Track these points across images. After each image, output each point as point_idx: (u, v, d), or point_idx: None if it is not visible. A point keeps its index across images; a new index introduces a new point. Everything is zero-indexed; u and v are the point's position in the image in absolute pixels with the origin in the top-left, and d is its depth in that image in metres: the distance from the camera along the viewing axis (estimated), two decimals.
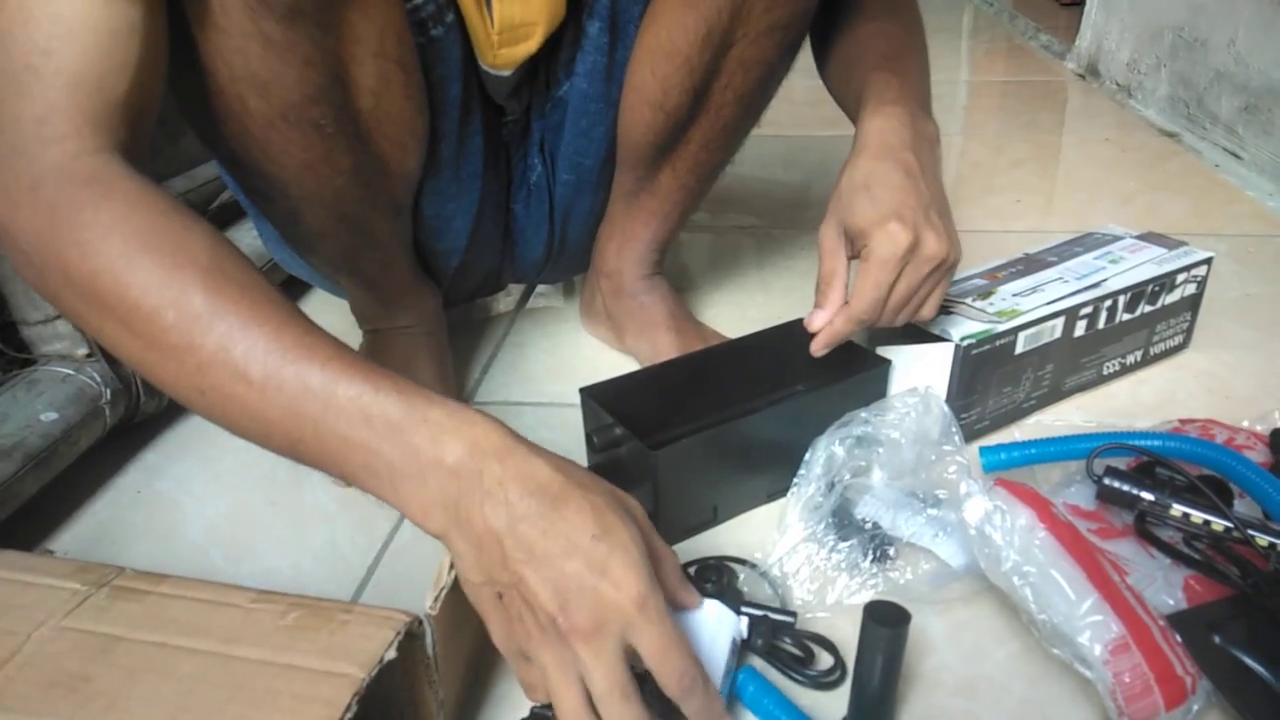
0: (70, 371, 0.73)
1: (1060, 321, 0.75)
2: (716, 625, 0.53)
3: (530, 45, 0.71)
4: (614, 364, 0.91)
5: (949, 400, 0.73)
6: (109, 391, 0.74)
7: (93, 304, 0.46)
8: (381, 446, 0.45)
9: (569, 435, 0.77)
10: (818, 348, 0.67)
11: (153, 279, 0.45)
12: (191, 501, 0.75)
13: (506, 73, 0.72)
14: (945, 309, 0.75)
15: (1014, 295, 0.76)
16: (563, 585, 0.42)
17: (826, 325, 0.66)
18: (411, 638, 0.45)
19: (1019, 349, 0.74)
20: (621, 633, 0.43)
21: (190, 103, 0.59)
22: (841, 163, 0.67)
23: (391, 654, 0.43)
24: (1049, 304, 0.75)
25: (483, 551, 0.44)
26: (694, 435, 0.64)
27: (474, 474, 0.44)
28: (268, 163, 0.61)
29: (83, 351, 0.74)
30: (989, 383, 0.74)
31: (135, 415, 0.79)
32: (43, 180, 0.47)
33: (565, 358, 0.94)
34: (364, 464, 0.45)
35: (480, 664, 0.57)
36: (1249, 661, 0.52)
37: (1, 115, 0.47)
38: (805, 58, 0.80)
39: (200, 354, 0.45)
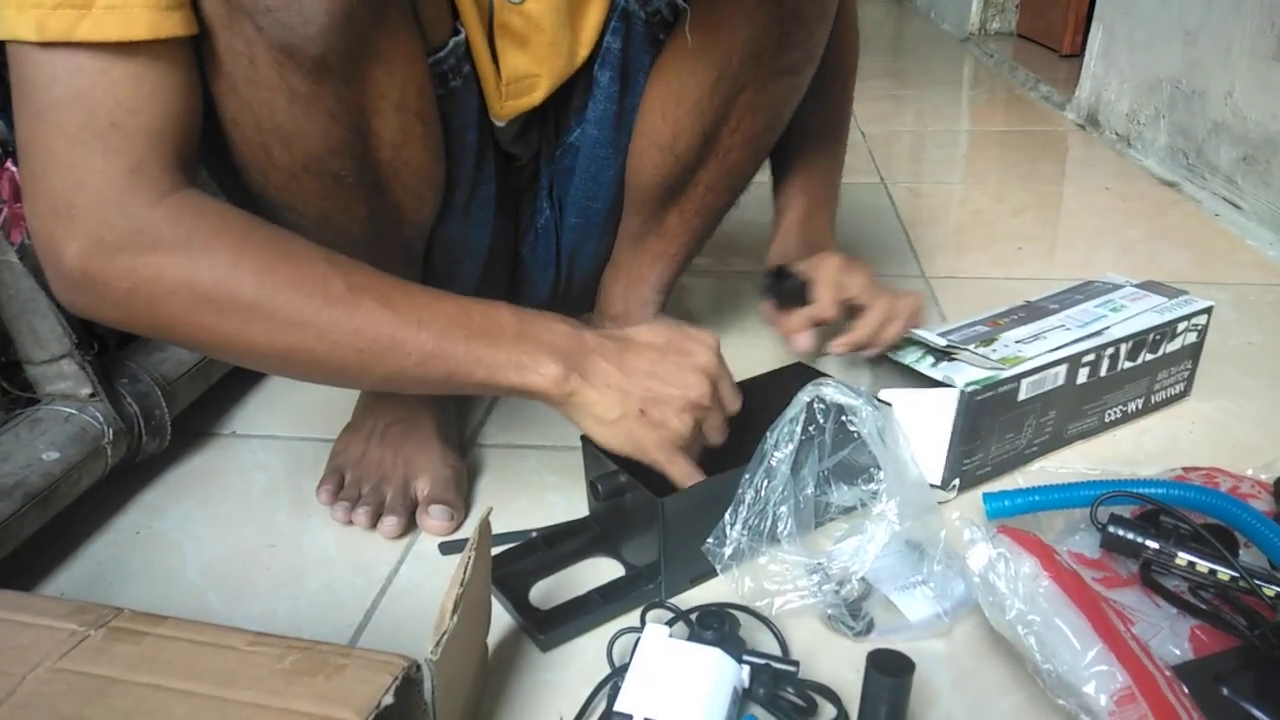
0: (73, 411, 0.73)
1: (1063, 369, 0.75)
2: (718, 674, 0.53)
3: (534, 98, 0.73)
4: None
5: (951, 446, 0.73)
6: (111, 431, 0.74)
7: (237, 315, 0.54)
8: (516, 347, 0.58)
9: (572, 479, 0.77)
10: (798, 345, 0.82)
11: (297, 277, 0.54)
12: (191, 542, 0.74)
13: (503, 123, 0.74)
14: (948, 355, 0.75)
15: (1017, 342, 0.76)
16: (676, 381, 0.61)
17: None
18: (409, 683, 0.44)
19: (1022, 395, 0.74)
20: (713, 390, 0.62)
21: (212, 153, 0.60)
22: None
23: (389, 699, 0.42)
24: (1052, 351, 0.75)
25: (607, 388, 0.59)
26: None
27: (576, 341, 0.60)
28: (287, 211, 0.62)
29: (86, 391, 0.74)
30: (992, 429, 0.74)
31: (137, 455, 0.79)
32: (148, 224, 0.52)
33: None
34: (510, 363, 0.58)
35: (478, 709, 0.57)
36: (1257, 714, 0.51)
37: (83, 169, 0.51)
38: None
39: (354, 321, 0.55)
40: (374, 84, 0.58)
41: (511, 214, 0.83)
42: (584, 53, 0.74)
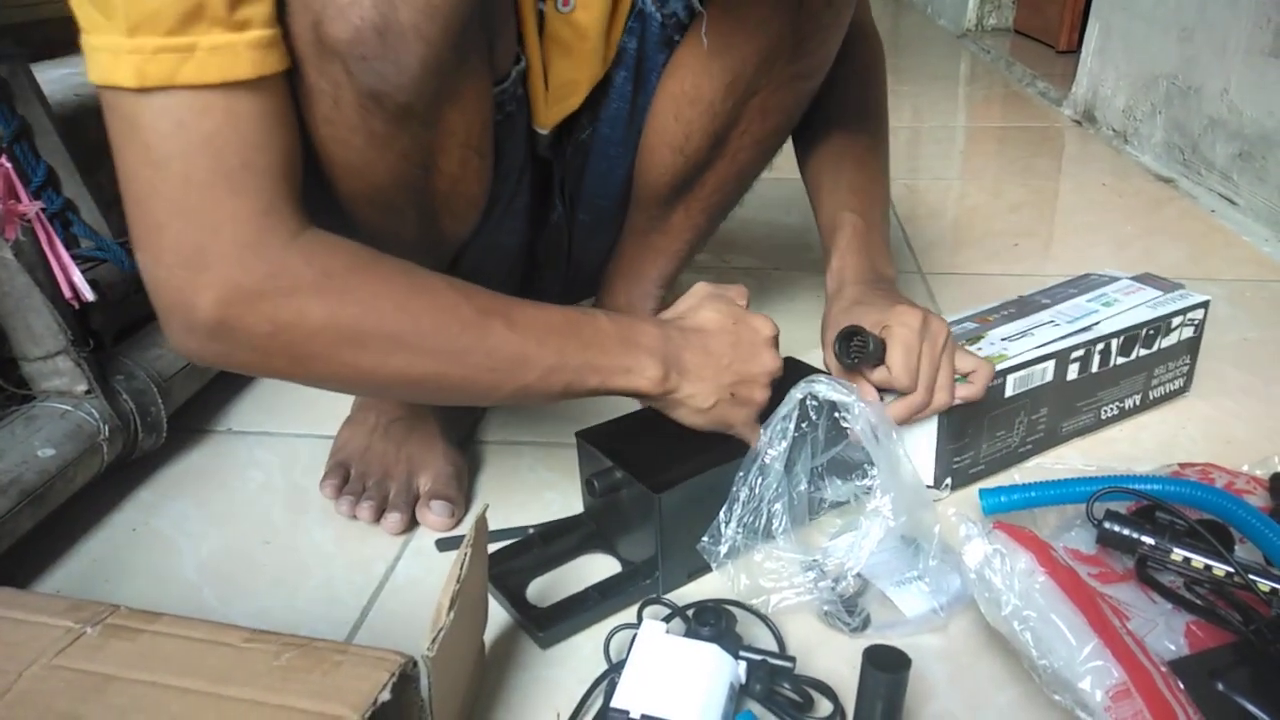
0: (69, 408, 0.73)
1: (1050, 365, 0.75)
2: (714, 669, 0.53)
3: (573, 102, 0.74)
4: (615, 403, 0.91)
5: (939, 445, 0.73)
6: (107, 428, 0.74)
7: (380, 348, 0.54)
8: (621, 353, 0.61)
9: (569, 475, 0.77)
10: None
11: (434, 307, 0.55)
12: (187, 539, 0.74)
13: (546, 130, 0.74)
14: None
15: (1003, 339, 0.76)
16: (755, 360, 0.65)
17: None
18: (406, 679, 0.44)
19: (1008, 392, 0.74)
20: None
21: None
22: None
23: (386, 695, 0.42)
24: (1038, 348, 0.75)
25: (702, 380, 0.63)
26: (696, 476, 0.63)
27: (666, 341, 0.63)
28: (338, 231, 0.62)
29: (82, 388, 0.74)
30: (980, 427, 0.74)
31: (133, 452, 0.79)
32: (286, 266, 0.51)
33: None
34: (618, 368, 0.61)
35: (475, 705, 0.57)
36: (1252, 709, 0.51)
37: (216, 215, 0.49)
38: None
39: (486, 344, 0.56)
40: (447, 124, 0.58)
41: (534, 217, 0.84)
42: (612, 54, 0.74)
